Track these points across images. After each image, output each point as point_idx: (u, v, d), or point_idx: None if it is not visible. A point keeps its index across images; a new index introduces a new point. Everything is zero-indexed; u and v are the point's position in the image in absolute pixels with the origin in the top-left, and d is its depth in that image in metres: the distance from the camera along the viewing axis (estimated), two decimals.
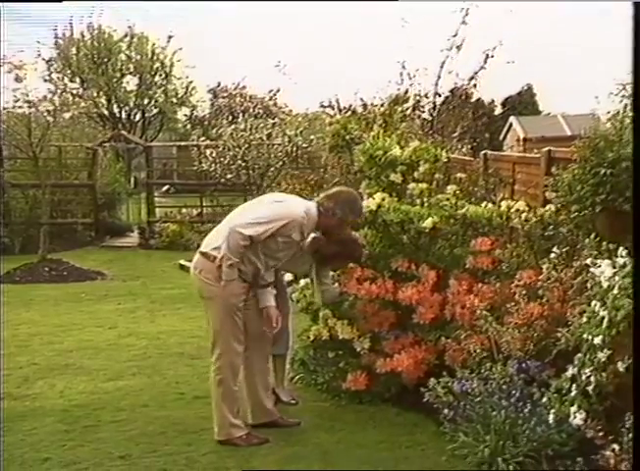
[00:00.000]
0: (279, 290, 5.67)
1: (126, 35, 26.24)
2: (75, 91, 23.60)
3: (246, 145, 15.60)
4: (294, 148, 15.12)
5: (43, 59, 23.27)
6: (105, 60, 25.53)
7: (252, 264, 5.23)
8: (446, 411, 4.98)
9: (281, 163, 15.50)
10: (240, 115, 20.13)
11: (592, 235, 4.96)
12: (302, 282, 6.52)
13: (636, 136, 3.92)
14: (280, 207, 5.36)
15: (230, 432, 5.24)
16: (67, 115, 17.27)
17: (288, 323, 5.87)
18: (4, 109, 15.30)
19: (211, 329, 5.32)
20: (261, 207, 5.45)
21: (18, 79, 14.31)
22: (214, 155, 16.08)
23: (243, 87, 28.39)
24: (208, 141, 17.95)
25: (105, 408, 6.02)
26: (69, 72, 24.96)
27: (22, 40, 27.99)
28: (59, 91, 21.71)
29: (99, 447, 5.21)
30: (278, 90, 23.85)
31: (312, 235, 5.58)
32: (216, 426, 5.28)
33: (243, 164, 15.70)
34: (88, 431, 5.56)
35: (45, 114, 15.20)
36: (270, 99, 24.03)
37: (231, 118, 21.29)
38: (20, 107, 14.68)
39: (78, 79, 25.06)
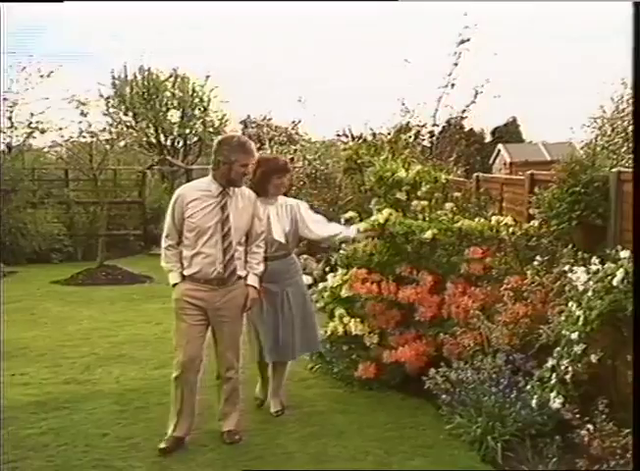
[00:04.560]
0: (299, 302, 5.46)
1: (170, 76, 26.30)
2: (128, 123, 23.71)
3: None
4: (313, 170, 15.06)
5: (102, 97, 23.42)
6: (153, 97, 25.58)
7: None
8: (444, 397, 4.98)
9: (302, 183, 15.44)
10: (267, 142, 20.04)
11: (569, 246, 4.95)
12: (321, 285, 6.53)
13: (636, 139, 3.84)
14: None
15: None
16: (121, 143, 17.41)
17: (295, 331, 5.45)
18: (70, 138, 15.43)
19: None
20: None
21: (83, 114, 14.47)
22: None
23: (270, 119, 28.31)
24: None
25: (153, 392, 6.02)
26: (123, 107, 25.01)
27: (87, 83, 28.31)
28: (115, 123, 21.83)
29: (149, 426, 5.22)
30: (299, 121, 23.79)
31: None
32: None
33: None
34: (139, 411, 5.59)
35: (104, 142, 15.32)
36: (292, 129, 23.99)
37: (259, 145, 21.24)
38: (83, 137, 14.82)
39: (130, 113, 25.12)
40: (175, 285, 4.85)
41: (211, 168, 4.81)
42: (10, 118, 15.93)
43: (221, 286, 4.78)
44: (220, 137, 5.06)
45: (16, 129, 16.07)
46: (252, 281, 4.92)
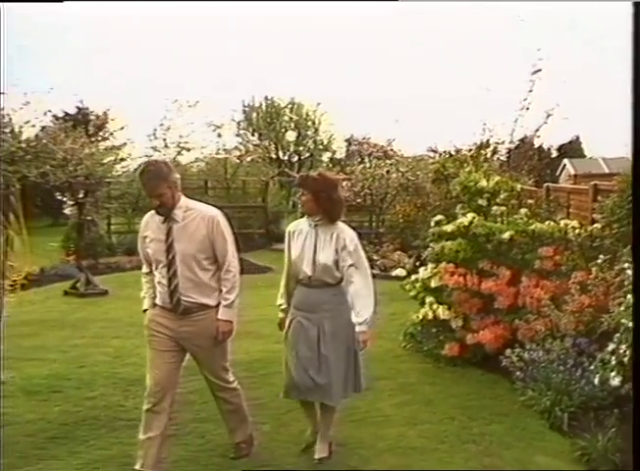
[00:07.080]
0: (339, 338, 3.91)
1: (289, 103, 26.91)
2: (254, 142, 24.48)
3: (371, 179, 15.63)
4: (406, 181, 15.07)
5: (234, 121, 24.25)
6: (274, 120, 26.23)
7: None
8: (518, 373, 4.98)
9: (395, 191, 15.48)
10: (367, 157, 20.13)
11: (628, 246, 4.82)
12: (413, 277, 6.58)
13: (635, 143, 3.65)
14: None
15: None
16: (249, 158, 17.97)
17: (331, 371, 3.88)
18: (209, 155, 16.12)
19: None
20: None
21: (219, 135, 15.06)
22: (348, 186, 16.18)
23: (369, 137, 28.43)
24: (344, 176, 18.10)
25: (275, 362, 5.98)
26: (251, 129, 25.78)
27: (222, 110, 29.26)
28: (244, 142, 22.55)
29: (272, 390, 5.19)
30: (393, 139, 23.77)
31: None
32: None
33: (369, 192, 15.76)
34: (264, 378, 5.73)
35: (235, 158, 15.86)
36: (388, 146, 23.97)
37: (360, 159, 21.38)
38: (219, 154, 15.40)
39: (256, 134, 25.86)
40: (145, 311, 3.99)
41: None
42: (164, 140, 16.84)
43: (183, 314, 3.80)
44: None
45: (168, 148, 16.96)
46: (223, 314, 3.85)
